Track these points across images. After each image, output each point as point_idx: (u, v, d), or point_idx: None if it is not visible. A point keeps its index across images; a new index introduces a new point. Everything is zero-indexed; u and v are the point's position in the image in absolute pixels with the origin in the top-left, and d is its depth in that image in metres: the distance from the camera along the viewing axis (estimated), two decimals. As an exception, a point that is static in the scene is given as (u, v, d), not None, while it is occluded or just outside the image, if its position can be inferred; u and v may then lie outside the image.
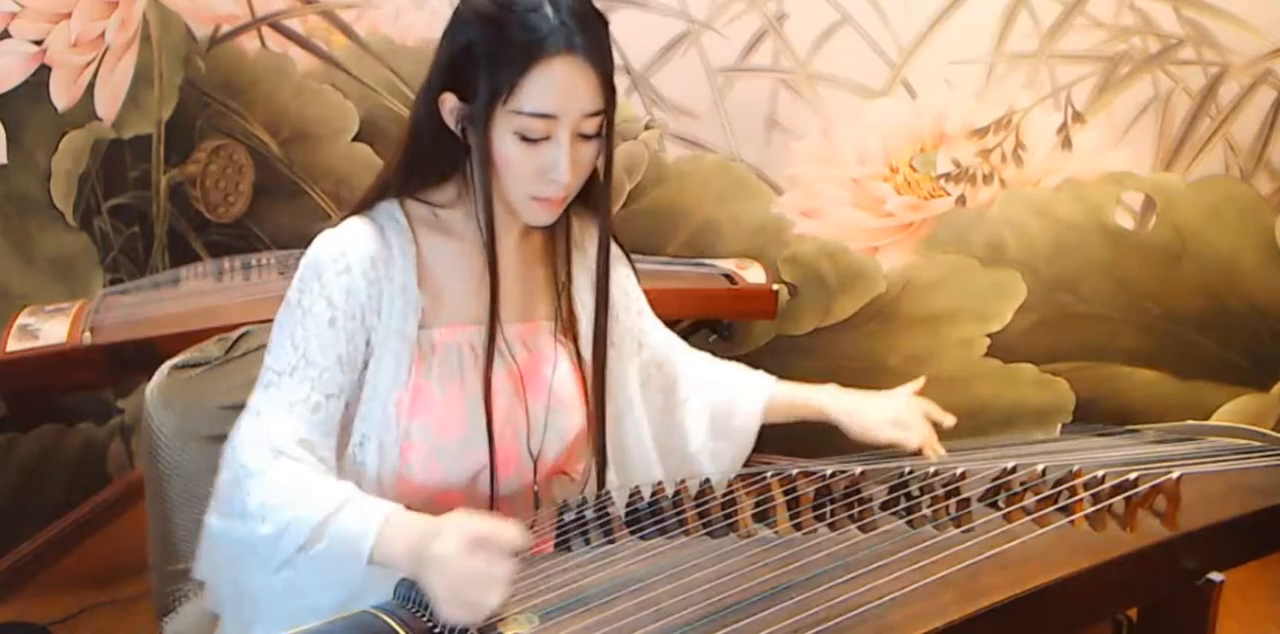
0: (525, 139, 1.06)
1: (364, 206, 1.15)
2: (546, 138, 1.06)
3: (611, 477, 1.27)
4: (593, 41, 1.05)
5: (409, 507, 1.16)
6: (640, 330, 1.33)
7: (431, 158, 1.14)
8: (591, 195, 1.17)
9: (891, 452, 1.33)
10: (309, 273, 1.11)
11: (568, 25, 1.03)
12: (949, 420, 1.36)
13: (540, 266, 1.24)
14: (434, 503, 1.17)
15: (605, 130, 1.10)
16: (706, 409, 1.36)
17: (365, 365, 1.13)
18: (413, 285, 1.13)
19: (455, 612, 0.91)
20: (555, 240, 1.24)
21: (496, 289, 1.14)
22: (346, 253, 1.11)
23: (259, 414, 1.09)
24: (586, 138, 1.08)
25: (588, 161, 1.10)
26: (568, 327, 1.23)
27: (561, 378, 1.21)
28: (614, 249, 1.28)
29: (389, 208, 1.15)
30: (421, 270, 1.14)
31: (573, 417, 1.22)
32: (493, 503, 1.18)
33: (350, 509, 1.00)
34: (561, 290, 1.23)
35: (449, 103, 1.09)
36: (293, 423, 1.08)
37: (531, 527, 1.06)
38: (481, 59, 1.05)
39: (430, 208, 1.16)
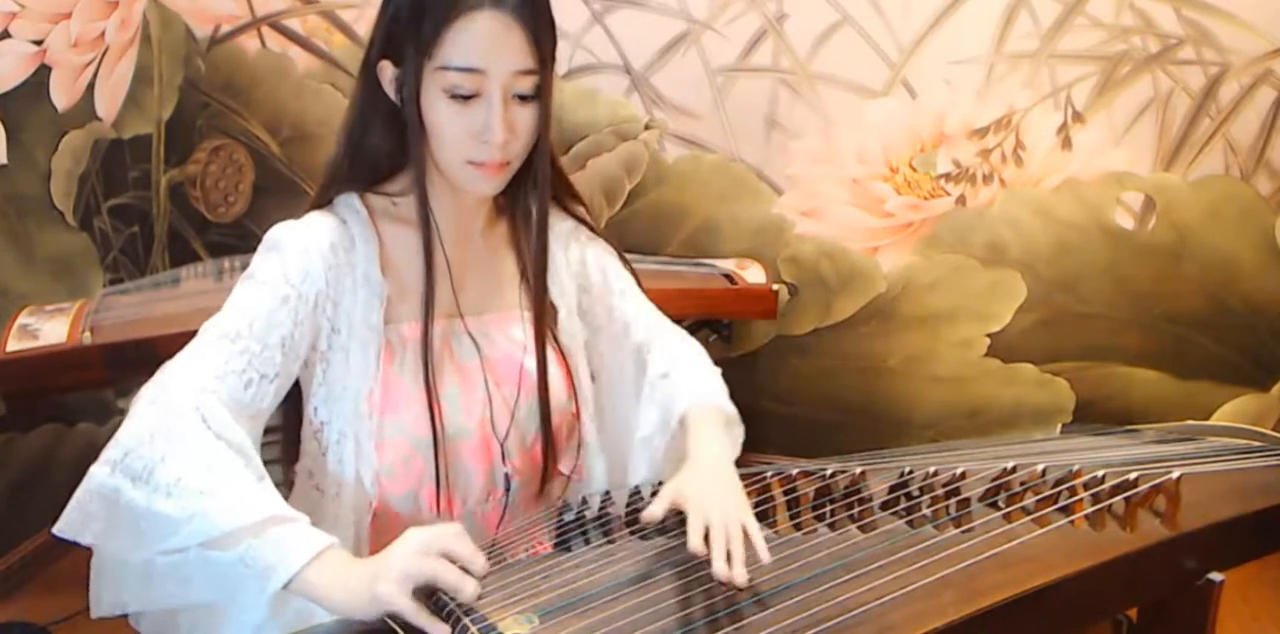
0: (455, 97, 1.05)
1: (321, 201, 1.15)
2: (477, 96, 1.05)
3: (598, 472, 1.27)
4: (523, 1, 1.04)
5: (389, 506, 1.15)
6: (623, 312, 1.28)
7: (378, 138, 1.13)
8: (533, 174, 1.15)
9: (893, 451, 1.33)
10: (268, 251, 1.11)
11: None
12: (765, 557, 0.98)
13: (510, 256, 1.23)
14: (414, 501, 1.17)
15: (543, 97, 1.08)
16: (660, 402, 1.24)
17: (324, 360, 1.12)
18: (376, 274, 1.12)
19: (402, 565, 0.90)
20: (519, 228, 1.23)
21: (433, 272, 1.13)
22: (306, 237, 1.10)
23: (189, 372, 1.02)
24: (523, 100, 1.07)
25: (525, 126, 1.09)
26: (549, 315, 1.22)
27: (536, 367, 1.20)
28: (583, 231, 1.27)
29: (348, 200, 1.15)
30: (384, 260, 1.13)
31: (552, 404, 1.21)
32: (436, 495, 1.16)
33: (274, 534, 0.93)
34: (529, 278, 1.22)
35: (387, 71, 1.10)
36: (222, 391, 1.02)
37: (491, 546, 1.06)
38: (408, 19, 1.05)
39: (389, 198, 1.16)
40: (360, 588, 0.91)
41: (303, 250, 1.09)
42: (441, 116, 1.07)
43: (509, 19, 1.04)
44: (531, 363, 1.20)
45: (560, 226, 1.26)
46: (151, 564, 0.97)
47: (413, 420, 1.13)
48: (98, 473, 0.99)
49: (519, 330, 1.21)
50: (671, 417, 1.18)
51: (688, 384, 1.21)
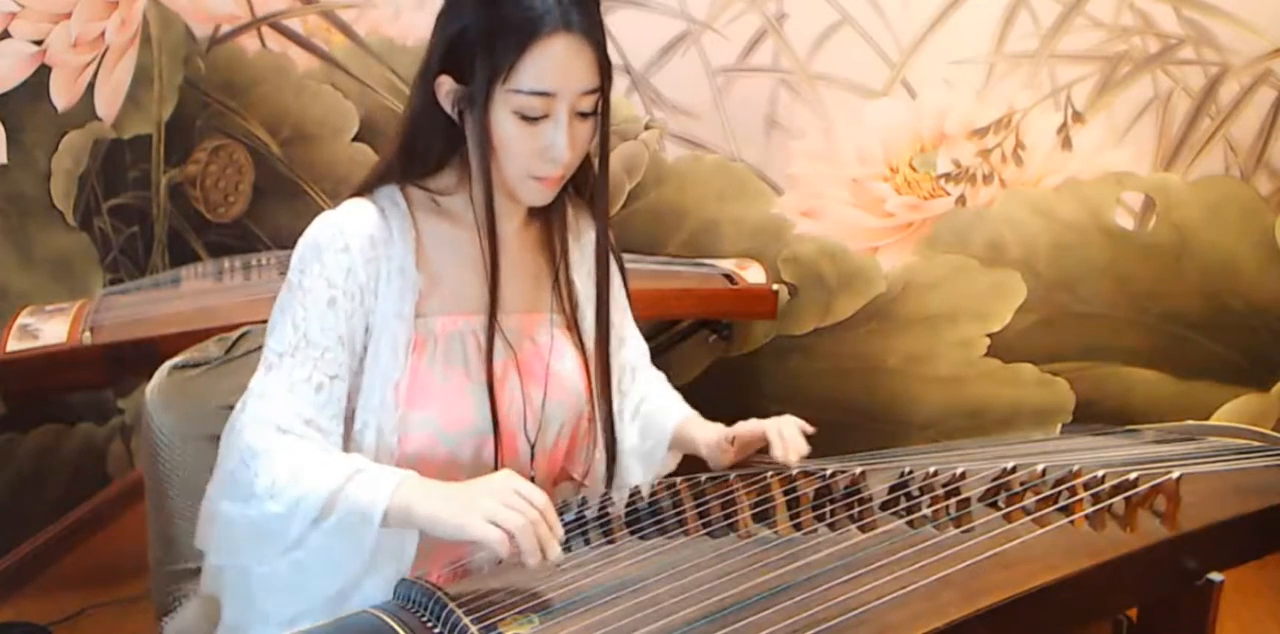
0: (524, 118, 1.07)
1: (364, 190, 1.16)
2: (545, 116, 1.07)
3: (601, 474, 1.27)
4: (588, 19, 1.06)
5: None
6: (620, 326, 1.34)
7: (429, 143, 1.14)
8: (586, 182, 1.19)
9: (893, 452, 1.33)
10: (308, 253, 1.12)
11: (562, 3, 1.05)
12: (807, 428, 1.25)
13: (541, 256, 1.24)
14: None
15: (601, 109, 1.11)
16: (642, 426, 1.34)
17: (365, 349, 1.13)
18: (411, 267, 1.13)
19: (484, 508, 0.95)
20: (552, 229, 1.24)
21: (497, 275, 1.14)
22: (345, 232, 1.11)
23: (262, 396, 1.09)
24: (583, 116, 1.09)
25: (585, 140, 1.11)
26: (570, 319, 1.23)
27: (565, 369, 1.21)
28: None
29: (389, 192, 1.16)
30: (420, 253, 1.14)
31: (573, 409, 1.22)
32: None
33: (360, 479, 1.01)
34: (561, 279, 1.24)
35: (445, 86, 1.10)
36: (296, 403, 1.08)
37: None
38: (478, 40, 1.06)
39: (429, 194, 1.17)
40: (448, 512, 0.97)
41: (342, 248, 1.11)
42: (509, 135, 1.08)
43: (580, 41, 1.06)
44: (559, 365, 1.21)
45: (587, 235, 1.27)
46: (299, 565, 1.06)
47: (440, 414, 1.14)
48: (222, 507, 1.10)
49: (545, 333, 1.22)
50: (664, 435, 1.29)
51: (671, 404, 1.33)
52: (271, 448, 1.05)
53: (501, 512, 0.95)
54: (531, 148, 1.08)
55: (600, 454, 1.27)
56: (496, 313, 1.15)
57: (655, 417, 1.32)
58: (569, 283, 1.24)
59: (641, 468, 1.31)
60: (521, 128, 1.07)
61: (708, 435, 1.24)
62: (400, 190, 1.16)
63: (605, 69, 1.09)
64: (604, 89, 1.09)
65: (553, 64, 1.05)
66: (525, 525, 0.94)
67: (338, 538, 1.03)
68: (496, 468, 1.15)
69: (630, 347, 1.36)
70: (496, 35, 1.05)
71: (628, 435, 1.33)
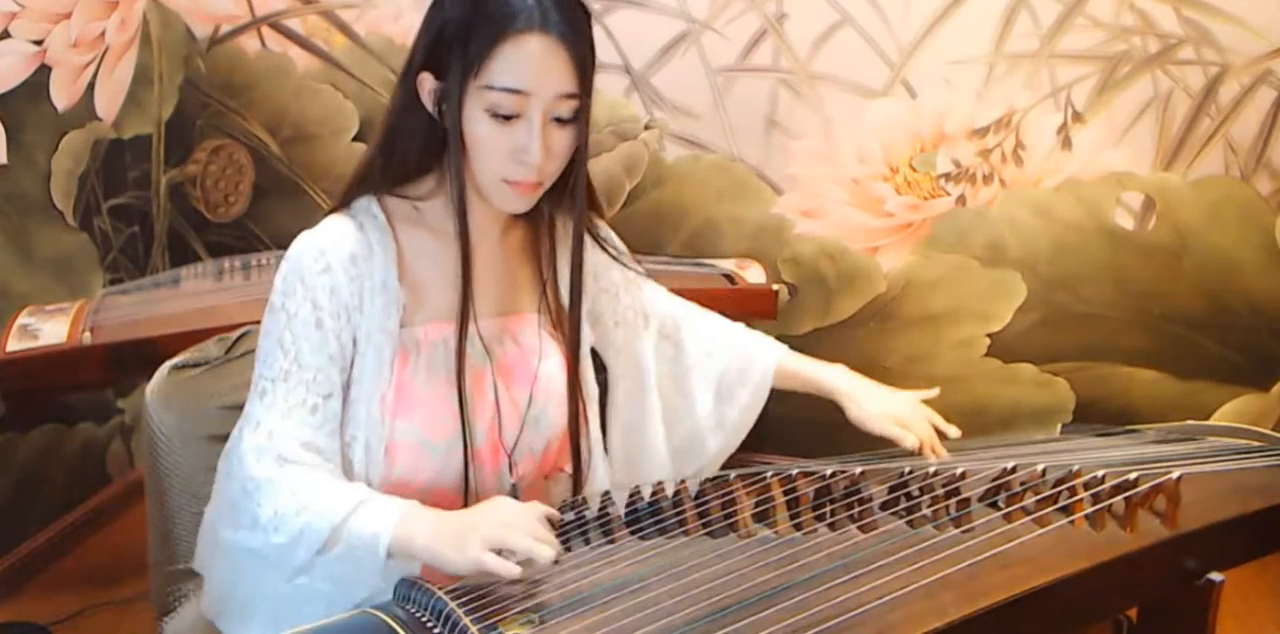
0: (496, 116, 1.06)
1: (343, 202, 1.16)
2: (518, 116, 1.06)
3: (601, 473, 1.27)
4: (569, 25, 1.05)
5: None
6: (644, 303, 1.36)
7: (408, 143, 1.13)
8: (569, 190, 1.16)
9: (891, 452, 1.33)
10: (291, 275, 1.11)
11: (543, 4, 1.04)
12: (953, 431, 1.33)
13: (526, 261, 1.24)
14: (425, 502, 1.17)
15: (581, 119, 1.09)
16: (715, 374, 1.39)
17: (352, 364, 1.13)
18: (393, 282, 1.13)
19: (497, 535, 0.96)
20: (539, 235, 1.24)
21: (469, 273, 1.14)
22: (326, 252, 1.10)
23: (259, 424, 1.09)
24: (561, 123, 1.08)
25: (562, 148, 1.09)
26: (556, 320, 1.23)
27: (550, 371, 1.21)
28: (587, 235, 1.28)
29: (367, 205, 1.15)
30: (402, 266, 1.14)
31: (563, 410, 1.22)
32: (467, 500, 1.17)
33: (363, 511, 1.02)
34: (547, 283, 1.23)
35: (427, 84, 1.10)
36: (293, 428, 1.08)
37: None
38: (456, 35, 1.06)
39: (409, 202, 1.16)
40: (449, 546, 0.98)
41: (324, 269, 1.10)
42: (481, 134, 1.07)
43: (556, 43, 1.04)
44: (545, 366, 1.21)
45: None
46: (308, 589, 1.08)
47: (424, 422, 1.13)
48: (224, 534, 1.12)
49: (532, 334, 1.22)
50: (745, 381, 1.39)
51: (754, 348, 1.44)
52: (274, 479, 1.06)
53: (489, 558, 0.95)
54: (504, 149, 1.07)
55: (596, 450, 1.27)
56: (468, 319, 1.14)
57: (746, 369, 1.41)
58: (555, 284, 1.23)
59: (736, 416, 1.40)
60: (494, 127, 1.06)
61: (884, 406, 1.35)
62: (378, 202, 1.15)
63: (585, 76, 1.07)
64: (583, 96, 1.07)
65: (526, 62, 1.04)
66: (513, 569, 0.95)
67: (345, 566, 1.04)
68: (466, 473, 1.15)
69: (658, 316, 1.38)
70: (472, 30, 1.05)
71: (700, 399, 1.38)
